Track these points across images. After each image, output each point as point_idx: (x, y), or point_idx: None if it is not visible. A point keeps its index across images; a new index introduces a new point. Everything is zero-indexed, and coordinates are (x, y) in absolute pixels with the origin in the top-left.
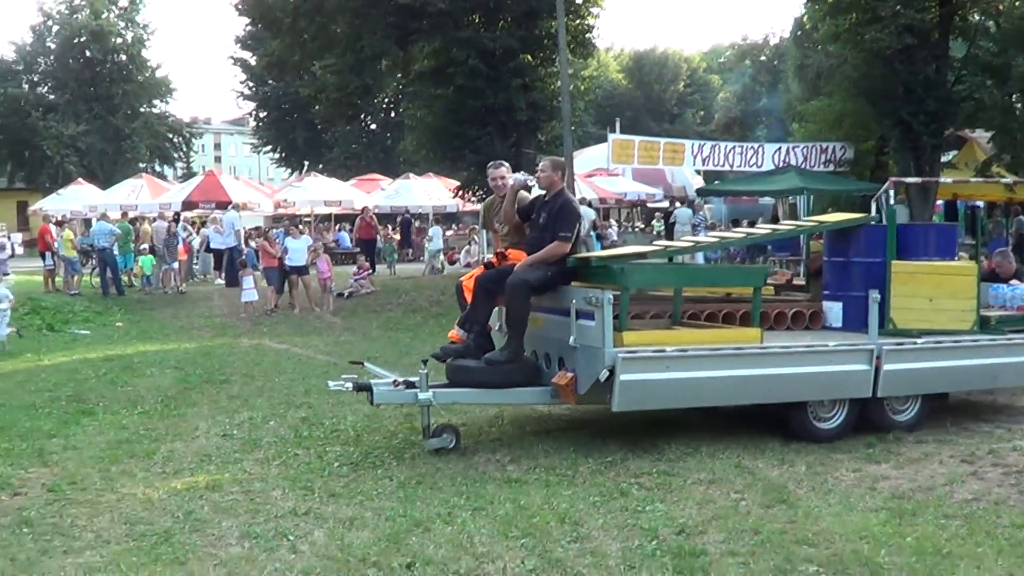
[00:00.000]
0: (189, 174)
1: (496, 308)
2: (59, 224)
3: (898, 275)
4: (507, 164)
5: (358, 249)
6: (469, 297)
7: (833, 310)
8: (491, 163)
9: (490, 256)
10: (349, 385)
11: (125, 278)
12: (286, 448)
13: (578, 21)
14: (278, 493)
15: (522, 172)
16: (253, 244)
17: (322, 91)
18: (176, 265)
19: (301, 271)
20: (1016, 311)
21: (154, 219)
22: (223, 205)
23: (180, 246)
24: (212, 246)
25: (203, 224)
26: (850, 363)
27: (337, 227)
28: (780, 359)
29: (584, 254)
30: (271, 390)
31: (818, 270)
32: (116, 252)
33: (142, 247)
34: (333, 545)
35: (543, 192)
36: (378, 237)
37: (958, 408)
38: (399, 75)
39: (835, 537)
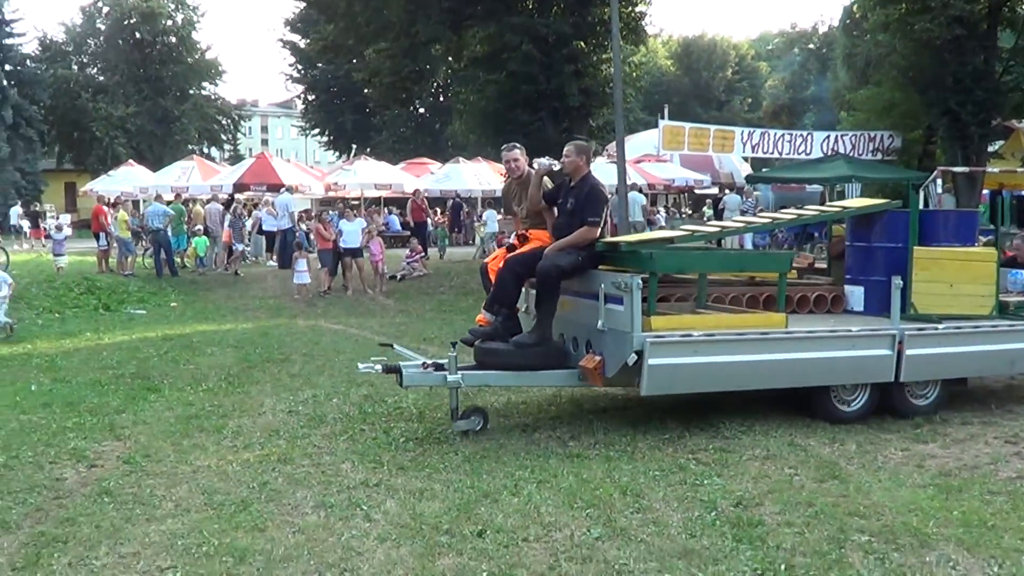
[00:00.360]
0: (236, 156)
1: (523, 290)
2: (113, 205)
3: (920, 260)
4: (521, 147)
5: (408, 232)
6: (494, 279)
7: (855, 294)
8: (505, 146)
9: (511, 240)
10: (379, 367)
11: (178, 259)
12: (351, 424)
13: (631, 8)
14: (348, 466)
15: (547, 157)
16: (304, 227)
17: (376, 75)
18: (240, 247)
19: (355, 253)
20: None
21: (207, 201)
22: (274, 188)
23: (228, 228)
24: (264, 228)
25: (255, 206)
26: (873, 348)
27: (386, 211)
28: (805, 344)
29: (613, 238)
30: (331, 369)
31: (840, 254)
32: (170, 233)
33: (195, 228)
34: (405, 514)
35: (567, 176)
36: (429, 220)
37: (1002, 392)
38: (452, 60)
39: (885, 510)
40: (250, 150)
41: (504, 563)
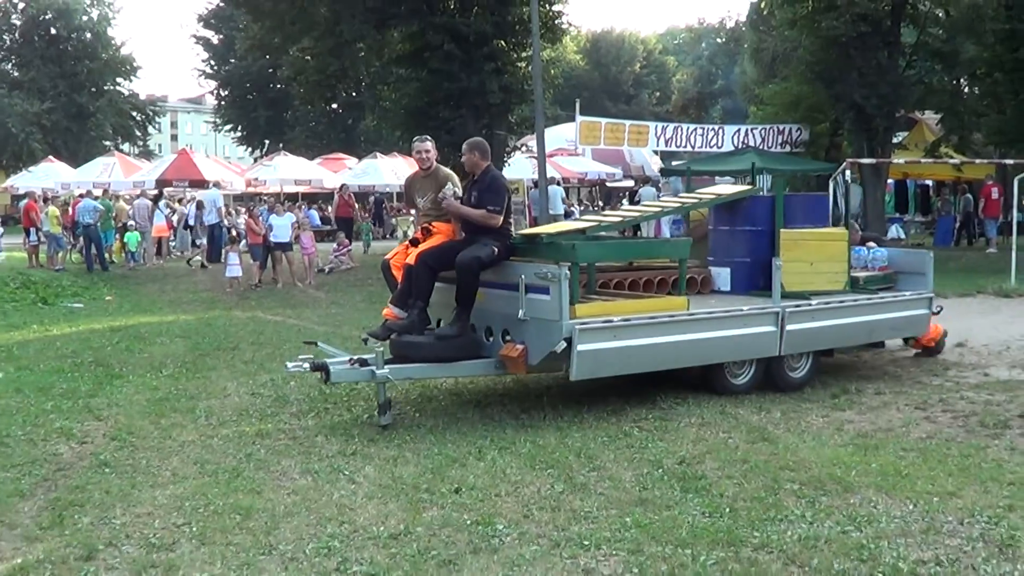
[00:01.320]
0: (147, 152)
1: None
2: (44, 201)
3: (785, 242)
4: (432, 140)
5: (328, 227)
6: (399, 275)
7: (721, 275)
8: (417, 137)
9: (412, 233)
10: (307, 366)
11: (106, 254)
12: (315, 404)
13: (548, 7)
14: (322, 439)
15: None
16: (226, 221)
17: (301, 73)
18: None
19: (285, 247)
20: (878, 271)
21: (135, 197)
22: (197, 183)
23: (164, 223)
24: (190, 223)
25: (179, 202)
26: (761, 325)
27: (304, 205)
28: (707, 324)
29: (530, 230)
30: (281, 356)
31: (702, 237)
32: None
33: (124, 224)
34: (385, 477)
35: (470, 174)
36: (356, 215)
37: (912, 364)
38: (374, 58)
39: (812, 464)
40: (159, 146)
41: (483, 513)
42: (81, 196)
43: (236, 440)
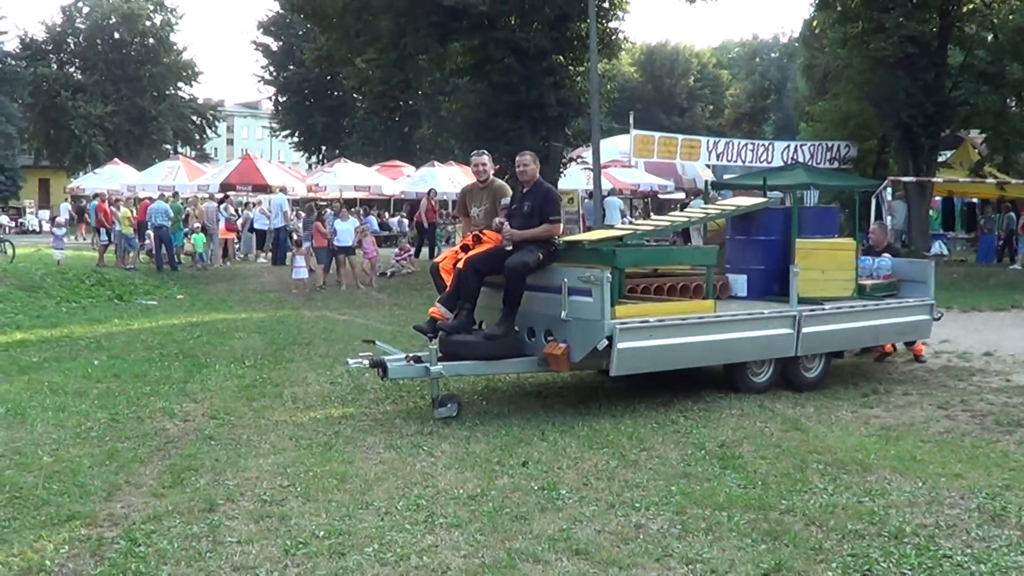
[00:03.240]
0: (203, 156)
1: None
2: (114, 203)
3: (800, 251)
4: (488, 153)
5: (387, 232)
6: (447, 278)
7: (738, 282)
8: (475, 151)
9: (458, 241)
10: (366, 362)
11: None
12: (390, 393)
13: (605, 24)
14: (399, 421)
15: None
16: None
17: (366, 84)
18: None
19: (348, 251)
20: (883, 279)
21: (204, 200)
22: (260, 188)
23: (223, 225)
24: (255, 226)
25: (244, 206)
26: (780, 327)
27: (361, 212)
28: (733, 325)
29: (574, 236)
30: (353, 351)
31: (719, 246)
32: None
33: (195, 226)
34: (460, 451)
35: (520, 185)
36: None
37: (939, 370)
38: (436, 70)
39: (837, 450)
40: (215, 150)
41: (547, 481)
42: (150, 199)
43: (324, 421)
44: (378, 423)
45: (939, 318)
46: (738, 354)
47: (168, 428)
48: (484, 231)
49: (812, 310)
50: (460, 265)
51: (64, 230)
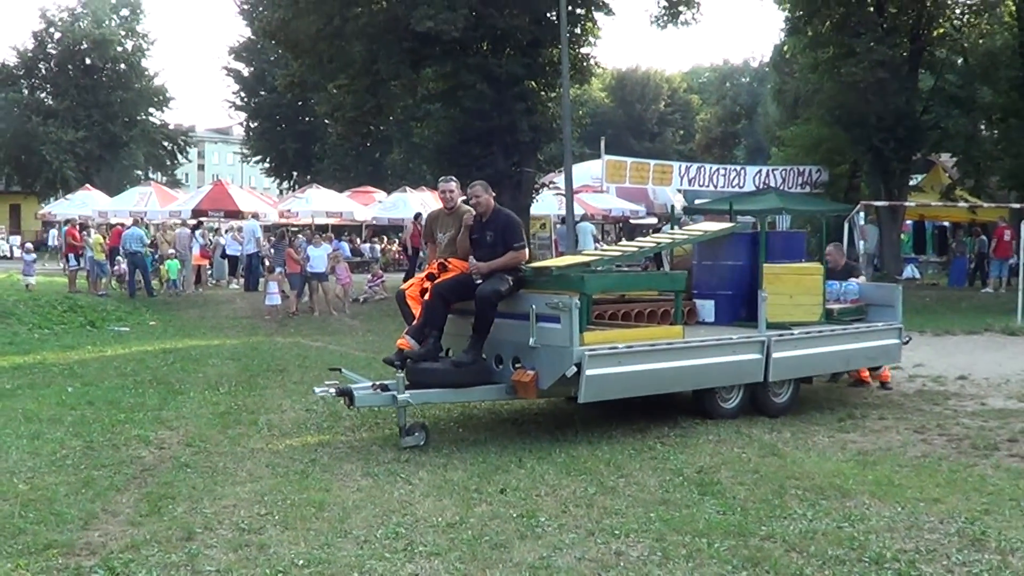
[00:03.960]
0: (173, 182)
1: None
2: (83, 229)
3: (767, 276)
4: (457, 180)
5: (359, 258)
6: (415, 306)
7: (705, 307)
8: (443, 177)
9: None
10: (332, 391)
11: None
12: (365, 420)
13: (577, 50)
14: (376, 448)
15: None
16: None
17: (338, 109)
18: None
19: (321, 277)
20: (850, 304)
21: (176, 226)
22: (232, 214)
23: (197, 251)
24: (228, 252)
25: (215, 232)
26: (749, 353)
27: (332, 237)
28: (701, 351)
29: (541, 262)
30: (327, 378)
31: (686, 272)
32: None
33: (168, 252)
34: (437, 479)
35: (478, 215)
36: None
37: (913, 393)
38: (407, 96)
39: (815, 475)
40: (186, 175)
41: (526, 509)
42: (122, 225)
43: (300, 448)
44: (354, 450)
45: (907, 342)
46: (707, 380)
47: (144, 456)
48: (450, 259)
49: (781, 335)
50: (427, 297)
51: (34, 256)
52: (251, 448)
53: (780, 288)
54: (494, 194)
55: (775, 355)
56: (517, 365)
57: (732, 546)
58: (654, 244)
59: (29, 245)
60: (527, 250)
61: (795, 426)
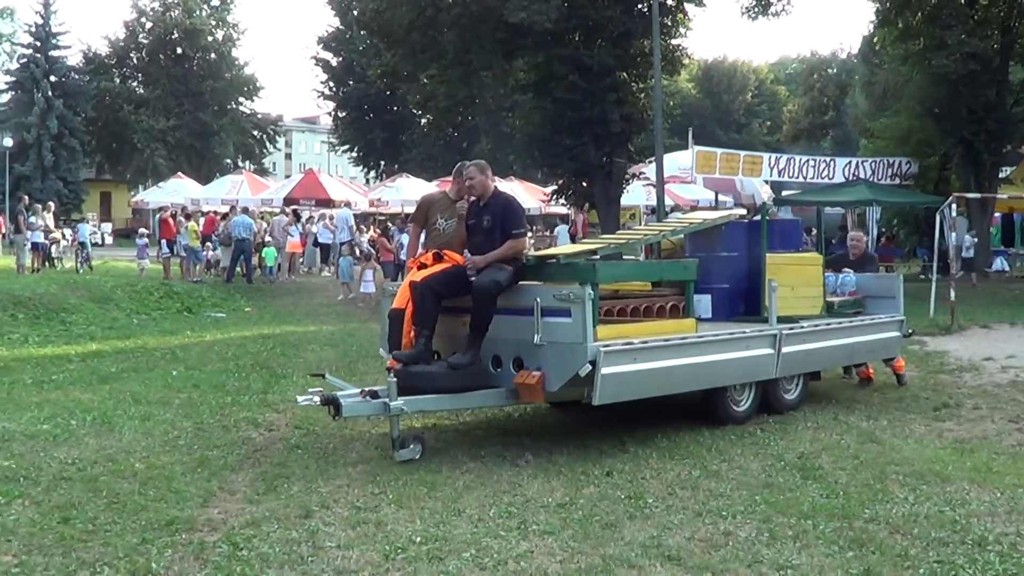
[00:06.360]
0: (261, 170)
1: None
2: (187, 216)
3: (770, 267)
4: (487, 166)
5: None
6: (407, 328)
7: (702, 302)
8: (472, 163)
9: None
10: (317, 399)
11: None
12: None
13: (669, 41)
14: (482, 432)
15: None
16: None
17: (431, 99)
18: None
19: None
20: (848, 296)
21: (274, 215)
22: (323, 202)
23: (297, 240)
24: (320, 241)
25: (307, 220)
26: (761, 347)
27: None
28: (716, 346)
29: (547, 251)
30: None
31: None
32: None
33: (266, 240)
34: (544, 462)
35: (475, 198)
36: None
37: (1007, 384)
38: (500, 86)
39: (914, 461)
40: (274, 164)
41: (633, 491)
42: (215, 212)
43: (405, 431)
44: (460, 434)
45: (910, 335)
46: (722, 377)
47: (254, 437)
48: (446, 251)
49: (792, 328)
50: (416, 292)
51: (146, 240)
52: (358, 431)
53: (782, 280)
54: (495, 178)
55: (785, 350)
56: (520, 367)
57: (837, 528)
58: (657, 232)
59: (143, 230)
60: (527, 238)
61: (891, 414)
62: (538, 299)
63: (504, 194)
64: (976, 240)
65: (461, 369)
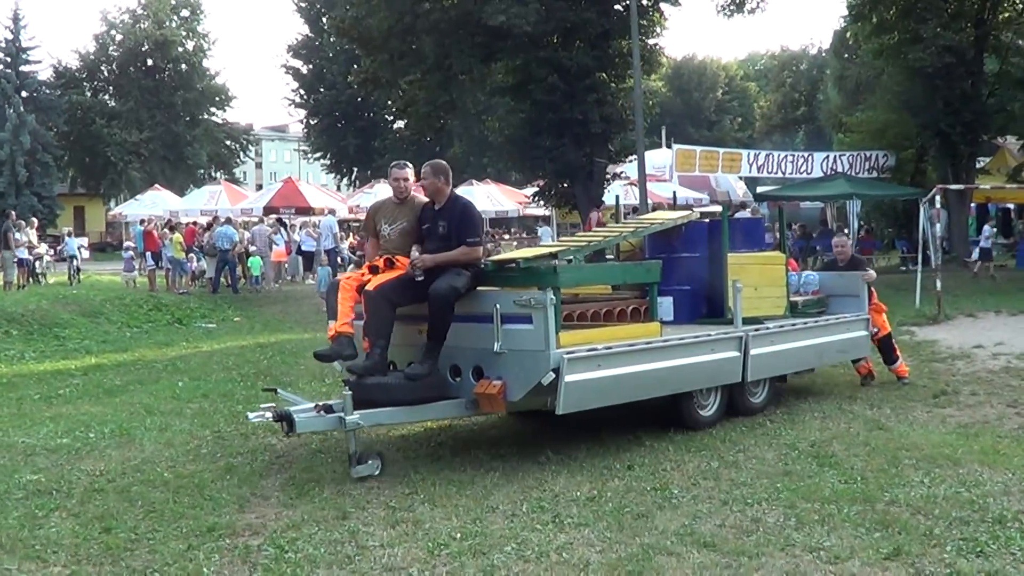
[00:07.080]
0: (233, 180)
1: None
2: (171, 228)
3: (733, 267)
4: (411, 166)
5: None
6: (344, 299)
7: (664, 305)
8: (395, 163)
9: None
10: (269, 415)
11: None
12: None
13: (646, 41)
14: (495, 432)
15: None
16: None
17: (411, 105)
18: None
19: None
20: (812, 295)
21: (254, 224)
22: (303, 210)
23: (283, 248)
24: (303, 249)
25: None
26: (727, 350)
27: None
28: (681, 350)
29: (505, 255)
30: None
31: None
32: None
33: (251, 249)
34: (565, 457)
35: (430, 201)
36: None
37: (1000, 370)
38: (479, 90)
39: (924, 446)
40: (244, 173)
41: (658, 483)
42: (194, 223)
43: (422, 432)
44: (478, 434)
45: (875, 333)
46: (688, 382)
47: (275, 444)
48: (397, 256)
49: (757, 330)
50: (370, 287)
51: (131, 254)
52: (376, 434)
53: (745, 280)
54: (450, 182)
55: (753, 352)
56: (480, 376)
57: (860, 511)
58: (617, 234)
59: (129, 243)
60: (481, 248)
61: (893, 402)
62: (498, 305)
63: (462, 200)
64: (995, 230)
65: (419, 380)
